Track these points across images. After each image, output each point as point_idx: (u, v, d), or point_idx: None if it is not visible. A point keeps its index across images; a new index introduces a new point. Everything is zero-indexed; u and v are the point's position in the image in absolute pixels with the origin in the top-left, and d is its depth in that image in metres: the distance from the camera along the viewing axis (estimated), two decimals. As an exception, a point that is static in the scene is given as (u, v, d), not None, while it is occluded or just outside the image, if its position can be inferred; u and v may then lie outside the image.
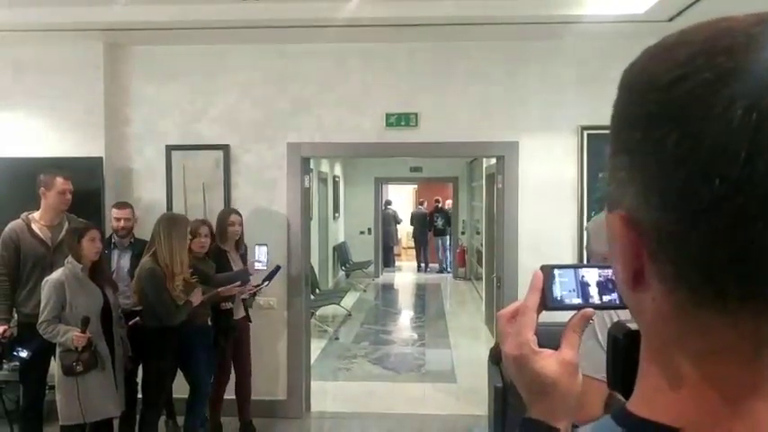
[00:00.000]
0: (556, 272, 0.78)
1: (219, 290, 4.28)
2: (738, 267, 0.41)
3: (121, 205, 4.50)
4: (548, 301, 0.77)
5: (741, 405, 0.43)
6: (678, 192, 0.42)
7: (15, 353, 3.93)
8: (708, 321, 0.43)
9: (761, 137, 0.38)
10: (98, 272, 3.75)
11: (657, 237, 0.44)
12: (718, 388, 0.44)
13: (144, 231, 4.35)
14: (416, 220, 15.38)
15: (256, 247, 4.60)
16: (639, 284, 0.47)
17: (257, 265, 4.55)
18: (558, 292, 0.77)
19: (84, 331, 3.49)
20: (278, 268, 4.69)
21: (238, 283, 4.43)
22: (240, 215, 4.66)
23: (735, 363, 0.43)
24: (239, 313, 4.65)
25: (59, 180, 4.11)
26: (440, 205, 14.78)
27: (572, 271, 0.79)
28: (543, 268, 0.78)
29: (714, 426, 0.43)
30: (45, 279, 3.64)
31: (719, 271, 0.42)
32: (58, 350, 3.57)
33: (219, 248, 4.52)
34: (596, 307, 0.78)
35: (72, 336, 3.47)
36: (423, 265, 15.27)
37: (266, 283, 4.60)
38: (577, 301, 0.78)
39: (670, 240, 0.43)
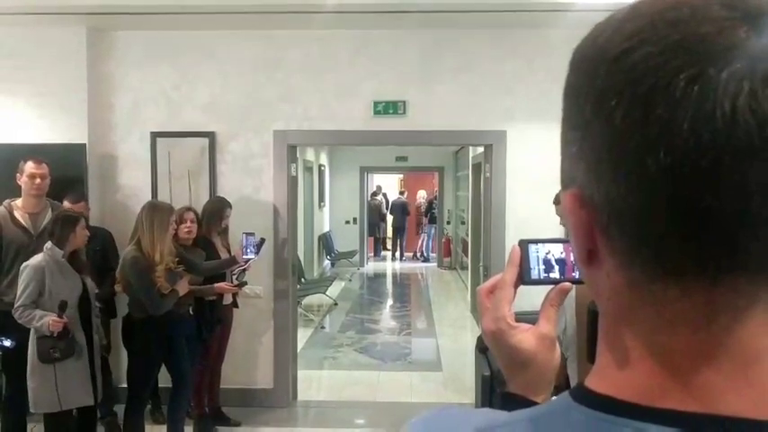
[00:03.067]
0: (533, 246, 0.78)
1: (215, 286, 4.29)
2: (687, 239, 0.41)
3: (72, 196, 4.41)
4: (525, 276, 0.77)
5: (691, 377, 0.43)
6: (626, 165, 0.42)
7: (-1, 342, 3.87)
8: (659, 294, 0.44)
9: (703, 108, 0.39)
10: (76, 259, 3.70)
11: (608, 212, 0.44)
12: (668, 361, 0.44)
13: (129, 219, 4.29)
14: (396, 209, 15.42)
15: (244, 236, 4.55)
16: (594, 261, 0.47)
17: (247, 253, 4.50)
18: (535, 266, 0.77)
19: (60, 316, 3.42)
20: (263, 240, 4.65)
21: (235, 284, 4.48)
22: (232, 207, 4.63)
23: (686, 335, 0.44)
24: (227, 299, 4.62)
25: (29, 164, 4.05)
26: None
27: (549, 246, 0.79)
28: (521, 243, 0.78)
29: (664, 397, 0.43)
30: (24, 264, 3.57)
31: (669, 243, 0.42)
32: (32, 336, 3.50)
33: (206, 238, 4.48)
34: (573, 281, 0.78)
35: (48, 321, 3.41)
36: (398, 254, 15.42)
37: (255, 256, 4.57)
38: (555, 275, 0.78)
39: (620, 215, 0.43)
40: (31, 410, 3.57)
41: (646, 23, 0.42)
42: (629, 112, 0.41)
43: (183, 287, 3.93)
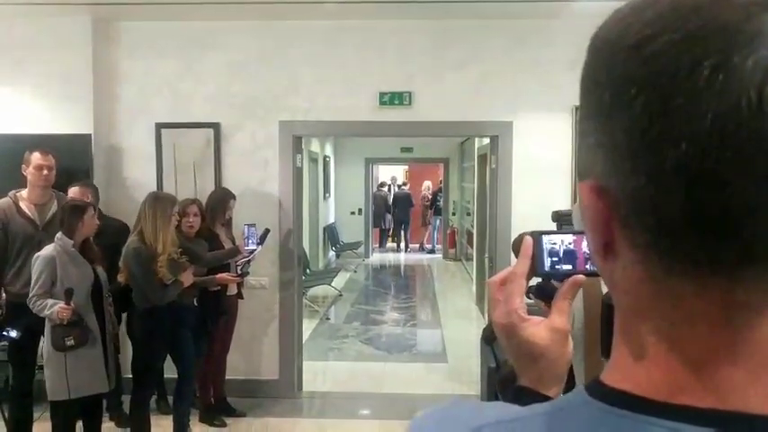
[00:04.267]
0: (545, 238, 0.77)
1: (216, 277, 4.29)
2: (708, 234, 0.40)
3: (76, 184, 4.36)
4: (537, 268, 0.76)
5: (710, 373, 0.43)
6: (647, 156, 0.40)
7: (5, 333, 3.89)
8: (678, 289, 0.43)
9: (728, 97, 0.37)
10: (87, 249, 3.71)
11: (627, 204, 0.43)
12: (686, 357, 0.43)
13: (134, 210, 4.28)
14: (399, 200, 15.38)
15: (245, 227, 4.56)
16: (610, 254, 0.46)
17: (249, 244, 4.51)
18: (547, 258, 0.76)
19: (68, 303, 3.44)
20: (267, 231, 4.66)
21: (236, 274, 4.49)
22: (235, 198, 4.63)
23: (704, 331, 0.43)
24: (232, 290, 4.63)
25: (36, 155, 4.04)
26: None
27: (562, 237, 0.78)
28: (533, 234, 0.77)
29: (681, 393, 0.43)
30: (36, 255, 3.59)
31: (688, 238, 0.41)
32: (47, 325, 3.53)
33: (210, 230, 4.48)
34: (586, 274, 0.77)
35: (56, 309, 3.43)
36: (402, 245, 15.35)
37: (259, 247, 4.58)
38: (567, 267, 0.77)
39: (639, 207, 0.42)
40: (49, 398, 3.59)
41: (667, 9, 0.41)
42: (649, 101, 0.40)
43: (187, 278, 3.93)
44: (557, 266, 0.77)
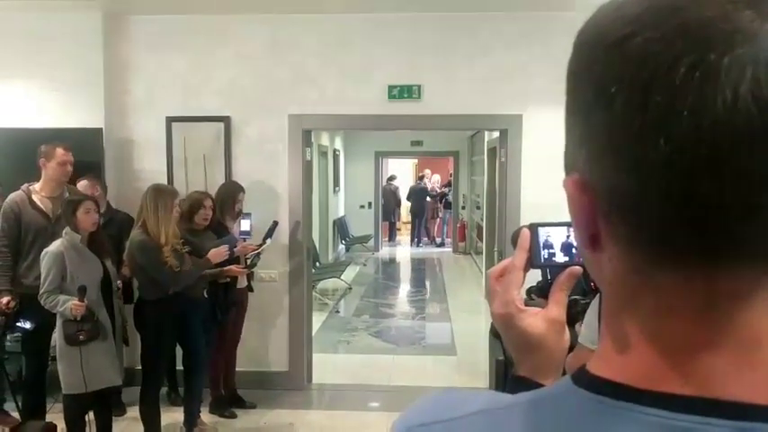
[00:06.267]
0: (542, 230, 0.77)
1: (224, 269, 4.31)
2: (688, 226, 0.41)
3: (84, 177, 4.39)
4: (534, 260, 0.77)
5: (691, 361, 0.44)
6: (627, 152, 0.41)
7: (19, 324, 3.93)
8: (661, 281, 0.44)
9: (704, 95, 0.38)
10: (96, 242, 3.73)
11: (609, 198, 0.44)
12: (668, 346, 0.44)
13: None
14: (415, 194, 15.33)
15: (240, 218, 4.60)
16: (596, 247, 0.47)
17: (245, 237, 4.53)
18: (544, 250, 0.77)
19: (81, 300, 3.47)
20: (275, 224, 4.68)
21: (244, 266, 4.51)
22: (245, 191, 4.66)
23: (686, 320, 0.44)
24: (242, 283, 4.66)
25: (60, 151, 4.07)
26: None
27: (558, 229, 0.78)
28: (530, 226, 0.77)
29: (662, 382, 0.44)
30: (44, 250, 3.61)
31: (670, 230, 0.42)
32: (59, 320, 3.57)
33: (220, 222, 4.50)
34: (582, 265, 0.76)
35: (70, 305, 3.47)
36: (416, 239, 15.29)
37: (268, 240, 4.61)
38: (564, 259, 0.77)
39: (621, 201, 0.43)
40: (63, 392, 3.62)
41: (647, 8, 0.41)
42: (629, 98, 0.41)
43: (217, 255, 4.04)
44: (553, 258, 0.77)
